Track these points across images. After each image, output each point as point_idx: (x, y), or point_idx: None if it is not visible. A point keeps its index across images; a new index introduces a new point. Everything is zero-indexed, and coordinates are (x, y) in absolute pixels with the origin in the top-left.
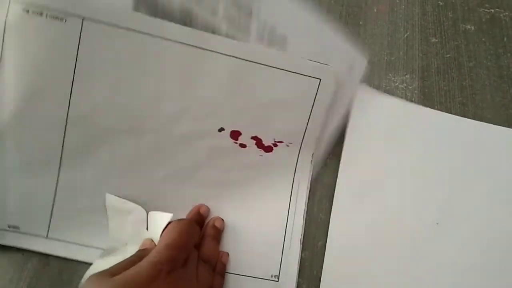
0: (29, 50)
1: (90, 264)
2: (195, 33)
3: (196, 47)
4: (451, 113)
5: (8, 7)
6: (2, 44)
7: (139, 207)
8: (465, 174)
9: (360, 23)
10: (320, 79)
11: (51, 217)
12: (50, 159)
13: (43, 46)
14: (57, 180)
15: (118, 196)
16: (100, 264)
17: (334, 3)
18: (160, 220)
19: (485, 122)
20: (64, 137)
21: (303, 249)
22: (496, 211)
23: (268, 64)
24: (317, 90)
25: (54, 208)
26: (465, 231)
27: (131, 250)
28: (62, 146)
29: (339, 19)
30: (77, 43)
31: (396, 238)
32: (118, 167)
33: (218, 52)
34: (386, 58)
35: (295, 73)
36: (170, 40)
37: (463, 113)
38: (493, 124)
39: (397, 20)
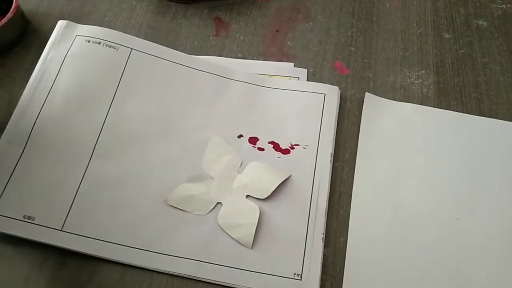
0: (83, 69)
1: (106, 260)
2: (222, 67)
3: (221, 76)
4: (467, 109)
5: (74, 39)
6: (61, 65)
7: (238, 154)
8: (483, 168)
9: (374, 18)
10: (325, 94)
11: (70, 208)
12: (82, 153)
13: (96, 66)
14: (85, 172)
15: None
16: (185, 186)
17: None
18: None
19: (500, 117)
20: (99, 135)
21: (325, 246)
22: None
23: (277, 88)
24: (324, 102)
25: (75, 200)
26: (487, 225)
27: (214, 184)
28: (96, 142)
29: (352, 15)
30: (124, 65)
31: (417, 233)
32: (145, 167)
33: (238, 80)
34: (400, 53)
35: (303, 92)
36: (201, 70)
37: (479, 108)
38: (509, 119)
39: (409, 16)
